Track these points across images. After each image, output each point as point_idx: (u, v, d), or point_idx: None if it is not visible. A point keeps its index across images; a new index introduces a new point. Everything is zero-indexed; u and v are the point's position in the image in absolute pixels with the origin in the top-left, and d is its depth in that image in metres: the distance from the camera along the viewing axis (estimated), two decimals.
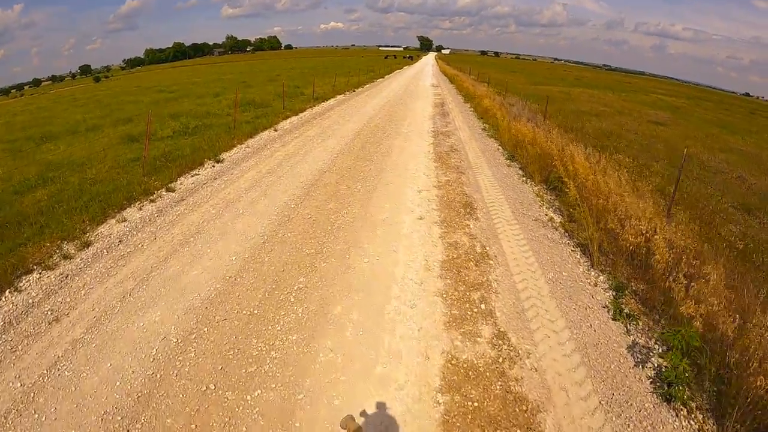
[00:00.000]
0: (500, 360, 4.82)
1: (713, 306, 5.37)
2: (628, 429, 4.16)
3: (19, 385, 4.38)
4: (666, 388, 4.61)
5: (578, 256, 7.29)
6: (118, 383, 4.37)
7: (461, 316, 5.48)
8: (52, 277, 6.29)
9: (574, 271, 6.82)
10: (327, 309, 5.48)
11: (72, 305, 5.67)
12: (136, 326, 5.19)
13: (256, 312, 5.40)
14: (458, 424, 4.03)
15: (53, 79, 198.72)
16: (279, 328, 5.10)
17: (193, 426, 3.93)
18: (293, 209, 8.58)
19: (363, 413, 4.05)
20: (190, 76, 70.14)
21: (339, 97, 27.67)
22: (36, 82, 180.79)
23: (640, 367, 4.99)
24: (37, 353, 4.83)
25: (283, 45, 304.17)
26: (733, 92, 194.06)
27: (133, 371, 4.52)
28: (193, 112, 21.62)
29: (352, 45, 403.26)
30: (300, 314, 5.36)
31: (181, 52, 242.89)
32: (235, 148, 13.45)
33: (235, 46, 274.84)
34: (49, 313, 5.52)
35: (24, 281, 6.16)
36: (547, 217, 8.73)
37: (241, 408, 4.08)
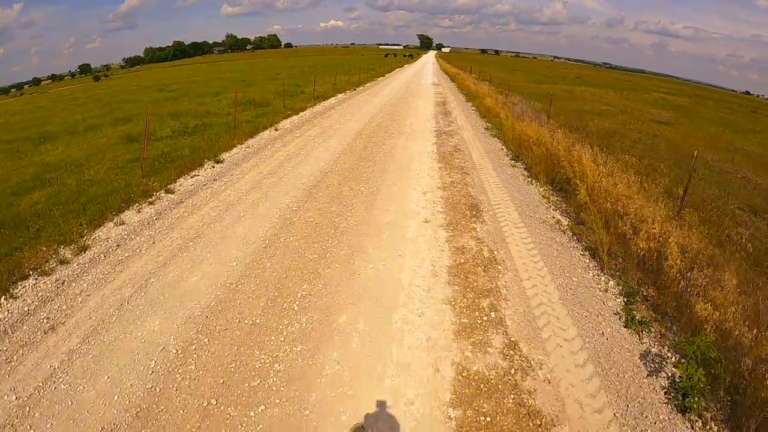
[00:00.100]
0: (512, 371, 4.65)
1: (728, 314, 5.23)
2: None
3: (14, 398, 4.20)
4: (681, 399, 4.45)
5: (587, 260, 7.12)
6: (116, 397, 4.18)
7: (471, 324, 5.30)
8: (48, 283, 6.11)
9: (584, 276, 6.65)
10: (332, 318, 5.29)
11: (68, 313, 5.48)
12: (134, 336, 5.00)
13: (258, 321, 5.21)
14: None
15: (53, 78, 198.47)
16: (282, 339, 4.92)
17: None
18: (295, 212, 8.39)
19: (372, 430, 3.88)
20: (190, 75, 69.91)
21: (340, 95, 27.47)
22: (36, 81, 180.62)
23: (654, 376, 4.83)
24: (32, 364, 4.64)
25: (282, 43, 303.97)
26: (734, 90, 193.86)
27: (131, 385, 4.33)
28: (192, 111, 21.41)
29: (352, 43, 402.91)
30: (304, 324, 5.17)
31: (180, 51, 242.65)
32: (236, 148, 13.27)
33: (234, 44, 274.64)
34: (44, 321, 5.33)
35: (20, 287, 5.98)
36: (554, 219, 8.54)
37: (244, 425, 3.90)
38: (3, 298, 5.72)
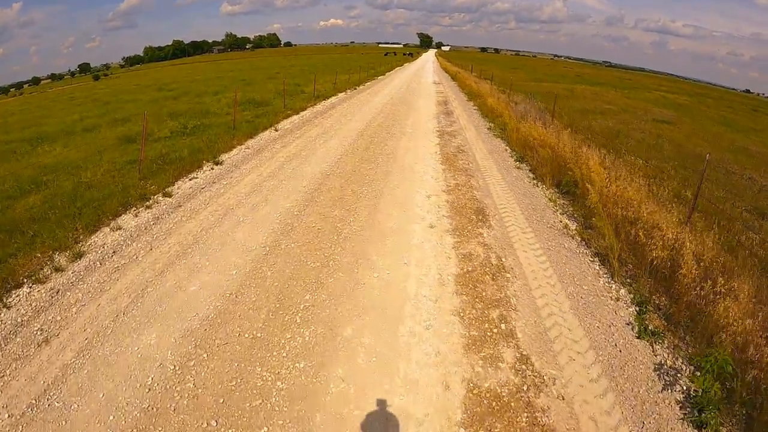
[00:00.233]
0: (525, 388, 4.45)
1: (744, 325, 5.04)
2: None
3: (6, 416, 4.01)
4: (697, 414, 4.31)
5: (597, 267, 6.92)
6: (111, 417, 3.98)
7: (481, 337, 5.10)
8: (42, 291, 5.91)
9: (595, 284, 6.45)
10: (336, 331, 5.08)
11: (63, 324, 5.27)
12: (130, 351, 4.80)
13: (259, 335, 4.99)
14: None
15: (53, 77, 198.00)
16: (285, 354, 4.70)
17: None
18: (296, 217, 8.17)
19: None
20: (190, 74, 69.67)
21: (340, 95, 27.25)
22: (35, 81, 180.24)
23: (669, 390, 4.66)
24: (26, 379, 4.44)
25: (282, 42, 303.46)
26: (734, 89, 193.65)
27: (127, 403, 4.13)
28: (192, 111, 21.21)
29: (352, 42, 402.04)
30: (307, 338, 4.96)
31: (180, 50, 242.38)
32: (235, 149, 13.06)
33: (234, 43, 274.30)
34: (38, 333, 5.13)
35: (13, 296, 5.79)
36: (561, 224, 8.34)
37: None
38: None
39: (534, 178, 11.03)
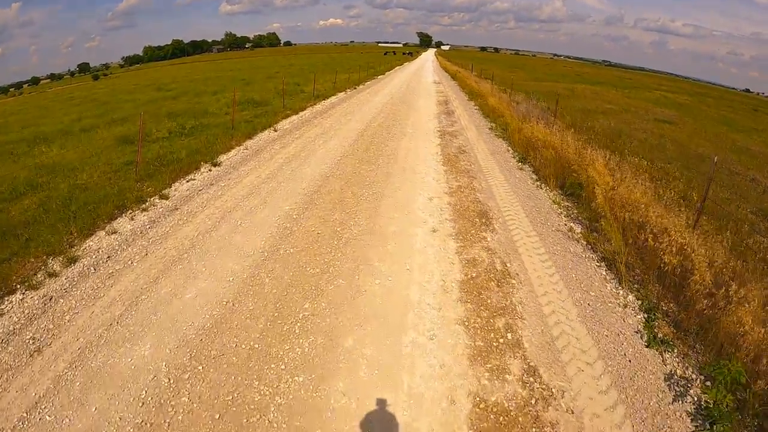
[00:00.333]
0: (533, 401, 4.28)
1: (758, 335, 4.88)
2: None
3: None
4: (709, 426, 4.19)
5: (604, 272, 6.75)
6: None
7: (487, 348, 4.92)
8: (35, 298, 5.75)
9: (602, 290, 6.28)
10: (337, 342, 4.89)
11: (55, 333, 5.11)
12: (124, 362, 4.62)
13: (256, 346, 4.80)
14: None
15: (52, 77, 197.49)
16: (283, 367, 4.52)
17: None
18: (295, 220, 7.98)
19: None
20: (189, 74, 69.47)
21: (340, 94, 27.07)
22: (35, 81, 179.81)
23: (680, 401, 4.51)
24: (17, 391, 4.28)
25: (282, 42, 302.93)
26: (734, 88, 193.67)
27: (120, 418, 3.96)
28: (190, 111, 21.04)
29: (351, 41, 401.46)
30: (306, 349, 4.77)
31: (179, 50, 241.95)
32: (233, 150, 12.88)
33: (233, 43, 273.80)
34: (30, 342, 4.97)
35: (6, 303, 5.63)
36: (566, 227, 8.17)
37: None
38: None
39: (537, 180, 10.85)
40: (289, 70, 56.32)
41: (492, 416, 4.07)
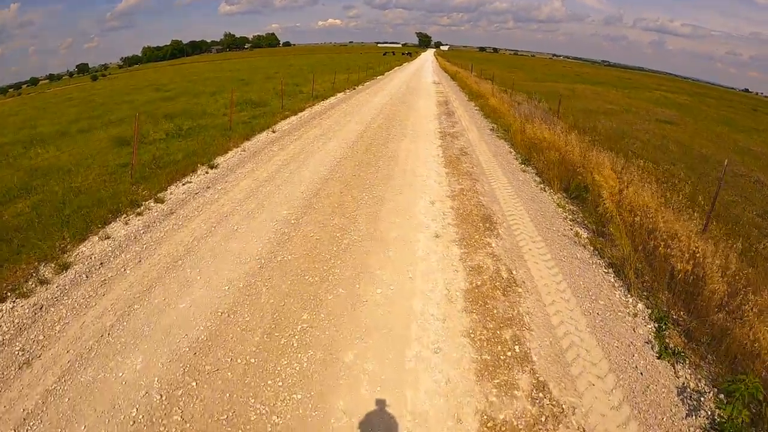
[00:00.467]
0: (543, 419, 4.06)
1: None
2: None
3: None
4: None
5: (612, 279, 6.54)
6: None
7: (494, 362, 4.70)
8: (26, 307, 5.53)
9: (611, 298, 6.06)
10: (337, 356, 4.66)
11: (45, 344, 4.90)
12: (115, 376, 4.40)
13: (252, 361, 4.57)
14: None
15: (51, 78, 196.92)
16: (281, 384, 4.28)
17: None
18: (294, 225, 7.75)
19: None
20: (188, 74, 69.21)
21: (339, 95, 26.87)
22: (34, 81, 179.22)
23: (693, 416, 4.32)
24: (5, 406, 4.08)
25: (281, 42, 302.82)
26: (733, 88, 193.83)
27: None
28: (188, 112, 20.85)
29: (351, 42, 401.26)
30: (305, 364, 4.54)
31: (178, 50, 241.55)
32: (231, 152, 12.66)
33: (232, 43, 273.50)
34: (19, 354, 4.76)
35: None
36: (572, 231, 7.95)
37: None
38: None
39: (541, 182, 10.63)
40: (288, 71, 56.15)
41: None
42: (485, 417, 4.03)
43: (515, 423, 3.99)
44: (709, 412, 4.34)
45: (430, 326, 5.18)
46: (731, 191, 13.34)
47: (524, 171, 11.62)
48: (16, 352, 4.78)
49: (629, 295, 6.14)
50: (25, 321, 5.29)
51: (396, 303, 5.60)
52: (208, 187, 9.69)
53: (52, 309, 5.52)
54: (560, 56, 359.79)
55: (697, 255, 5.93)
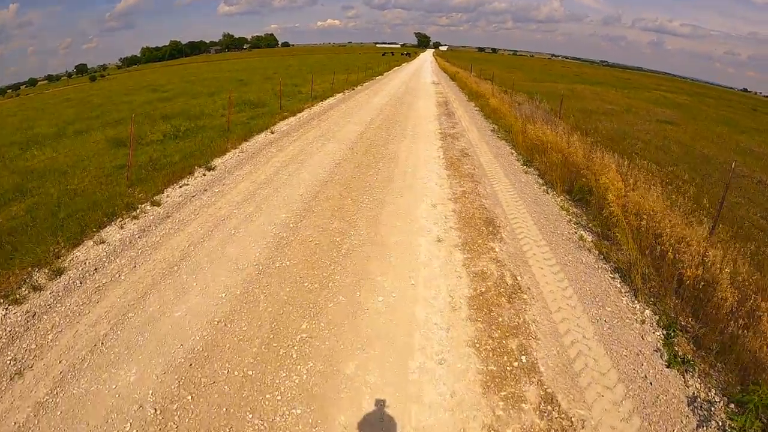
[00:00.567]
0: None
1: None
2: None
3: None
4: None
5: (618, 284, 6.38)
6: None
7: (500, 373, 4.54)
8: (18, 314, 5.38)
9: (618, 304, 5.91)
10: (337, 368, 4.49)
11: (37, 354, 4.75)
12: (108, 388, 4.25)
13: (250, 373, 4.40)
14: None
15: (49, 78, 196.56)
16: (279, 398, 4.12)
17: None
18: (292, 230, 7.58)
19: None
20: (186, 75, 69.04)
21: (338, 95, 26.69)
22: (32, 82, 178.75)
23: (704, 427, 4.20)
24: None
25: (279, 42, 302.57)
26: (731, 88, 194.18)
27: None
28: (186, 112, 20.70)
29: (349, 42, 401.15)
30: (304, 376, 4.37)
31: (177, 51, 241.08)
32: (229, 153, 12.49)
33: (231, 43, 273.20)
34: (11, 364, 4.61)
35: None
36: (577, 235, 7.79)
37: None
38: None
39: (543, 184, 10.48)
40: (287, 71, 56.05)
41: None
42: None
43: None
44: (720, 423, 4.21)
45: (434, 335, 5.02)
46: (734, 193, 13.18)
47: (526, 173, 11.47)
48: (8, 362, 4.63)
49: (636, 301, 5.99)
50: (17, 329, 5.14)
51: (398, 311, 5.43)
52: (206, 190, 9.53)
53: (45, 317, 5.37)
54: (559, 56, 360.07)
55: (707, 260, 5.77)
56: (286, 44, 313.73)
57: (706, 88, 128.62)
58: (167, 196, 9.12)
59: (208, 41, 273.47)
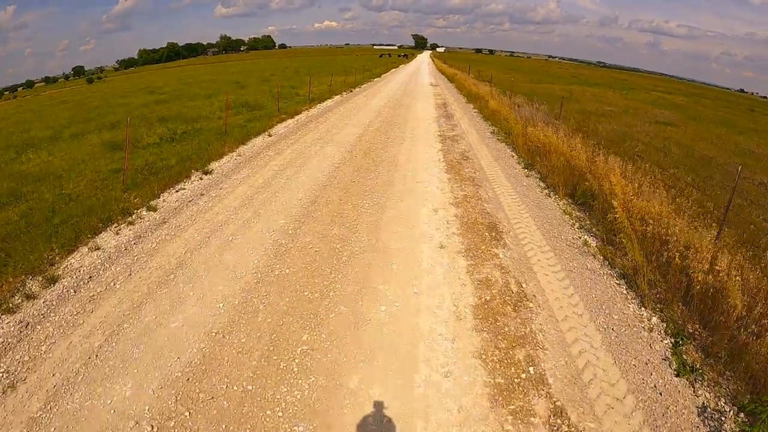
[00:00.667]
0: None
1: None
2: None
3: None
4: None
5: (624, 291, 6.26)
6: None
7: (508, 386, 4.40)
8: (11, 324, 5.22)
9: (625, 312, 5.78)
10: (340, 381, 4.34)
11: (31, 366, 4.59)
12: (102, 404, 4.09)
13: (250, 388, 4.24)
14: None
15: (47, 80, 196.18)
16: (281, 414, 3.96)
17: None
18: (291, 236, 7.42)
19: None
20: (183, 77, 68.87)
21: (336, 97, 26.57)
22: (29, 84, 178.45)
23: None
24: None
25: (277, 44, 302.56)
26: (728, 88, 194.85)
27: None
28: (183, 115, 20.52)
29: (347, 44, 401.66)
30: (306, 391, 4.22)
31: (174, 53, 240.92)
32: (226, 157, 12.34)
33: (228, 45, 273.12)
34: (4, 376, 4.46)
35: None
36: (581, 240, 7.66)
37: None
38: None
39: (545, 188, 10.35)
40: (284, 73, 55.90)
41: None
42: None
43: None
44: None
45: (439, 347, 4.87)
46: (736, 195, 13.05)
47: (528, 176, 11.34)
48: (1, 375, 4.49)
49: (643, 309, 5.88)
50: (10, 340, 4.99)
51: (401, 321, 5.28)
52: (202, 194, 9.37)
53: (39, 327, 5.22)
54: (556, 57, 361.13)
55: (717, 267, 5.64)
56: (283, 46, 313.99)
57: (703, 88, 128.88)
58: (163, 201, 8.96)
59: (205, 43, 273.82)
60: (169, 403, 4.09)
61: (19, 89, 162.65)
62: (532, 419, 4.04)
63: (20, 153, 16.18)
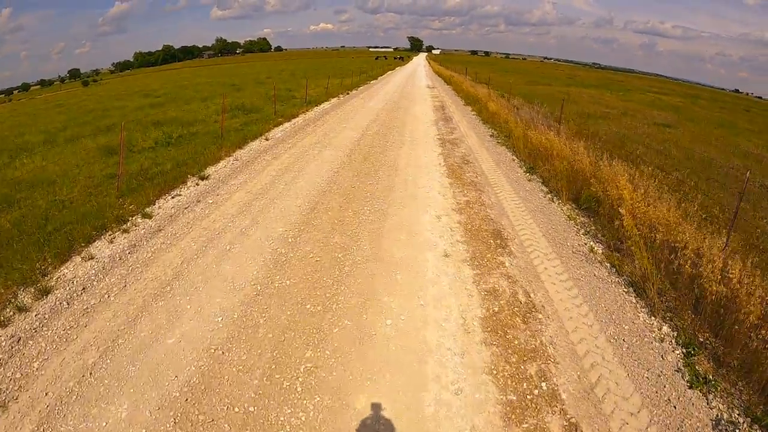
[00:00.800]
0: None
1: None
2: None
3: None
4: None
5: (633, 299, 6.10)
6: None
7: (520, 403, 4.22)
8: (3, 339, 5.02)
9: (635, 321, 5.63)
10: (347, 401, 4.14)
11: (22, 384, 4.40)
12: (98, 426, 3.90)
13: (252, 409, 4.04)
14: None
15: (42, 83, 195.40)
16: None
17: None
18: (291, 245, 7.22)
19: None
20: (179, 80, 68.55)
21: (333, 100, 26.40)
22: (25, 87, 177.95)
23: None
24: None
25: (273, 47, 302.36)
26: (723, 89, 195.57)
27: None
28: (178, 119, 20.27)
29: (342, 46, 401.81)
30: (311, 413, 4.02)
31: (170, 55, 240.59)
32: (222, 162, 12.13)
33: (224, 48, 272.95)
34: None
35: None
36: (587, 247, 7.51)
37: None
38: None
39: (548, 192, 10.20)
40: (281, 76, 55.69)
41: None
42: None
43: None
44: None
45: (449, 363, 4.69)
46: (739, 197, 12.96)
47: (530, 180, 11.18)
48: None
49: (653, 318, 5.73)
50: (1, 356, 4.79)
51: (408, 335, 5.09)
52: (199, 201, 9.17)
53: (31, 342, 5.03)
54: (551, 59, 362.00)
55: (729, 275, 5.49)
56: (279, 48, 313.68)
57: (699, 89, 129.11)
58: (159, 208, 8.76)
59: (201, 46, 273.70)
60: (168, 426, 3.90)
61: (15, 92, 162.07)
62: None
63: (14, 158, 15.92)
